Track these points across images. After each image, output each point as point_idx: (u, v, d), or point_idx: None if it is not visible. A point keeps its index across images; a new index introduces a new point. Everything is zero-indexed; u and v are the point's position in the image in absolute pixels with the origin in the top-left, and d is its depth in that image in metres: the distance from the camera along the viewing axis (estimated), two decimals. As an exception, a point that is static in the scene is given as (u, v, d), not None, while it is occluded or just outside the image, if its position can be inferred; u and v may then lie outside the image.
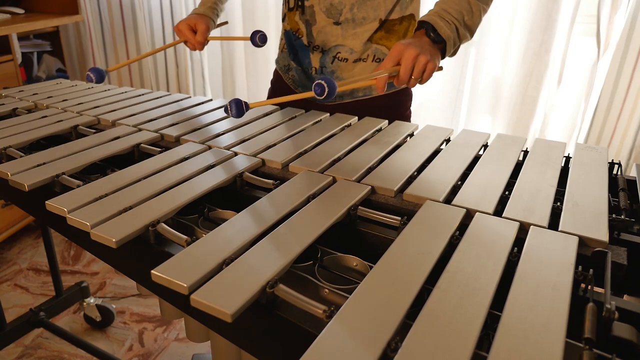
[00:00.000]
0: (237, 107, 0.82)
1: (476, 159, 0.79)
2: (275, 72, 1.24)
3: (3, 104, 1.14)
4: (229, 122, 0.98)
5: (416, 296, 0.44)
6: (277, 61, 1.22)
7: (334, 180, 0.71)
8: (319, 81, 0.77)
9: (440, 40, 0.88)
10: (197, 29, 1.11)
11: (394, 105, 1.11)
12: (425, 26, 0.89)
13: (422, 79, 0.87)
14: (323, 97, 0.77)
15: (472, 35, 0.94)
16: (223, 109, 0.86)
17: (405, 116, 1.15)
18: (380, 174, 0.72)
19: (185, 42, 1.13)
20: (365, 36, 1.03)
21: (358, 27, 1.02)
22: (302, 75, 1.14)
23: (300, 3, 1.06)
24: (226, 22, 1.28)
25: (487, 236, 0.54)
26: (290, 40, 1.13)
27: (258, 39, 1.11)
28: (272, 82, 1.26)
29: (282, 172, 0.76)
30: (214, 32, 1.18)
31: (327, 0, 1.02)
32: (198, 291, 0.45)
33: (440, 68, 0.90)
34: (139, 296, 1.83)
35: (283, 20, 1.14)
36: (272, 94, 1.26)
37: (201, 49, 1.13)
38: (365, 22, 1.02)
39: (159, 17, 2.29)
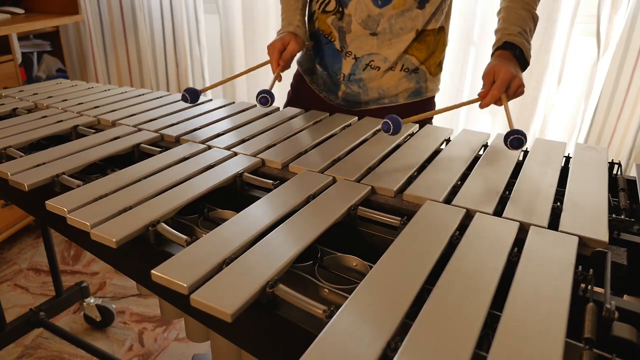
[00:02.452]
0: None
1: (476, 159, 0.79)
2: (297, 75, 1.20)
3: (3, 104, 1.14)
4: (229, 122, 0.99)
5: (416, 296, 0.44)
6: (299, 62, 1.19)
7: (334, 180, 0.71)
8: (515, 136, 0.78)
9: (525, 62, 0.92)
10: (287, 48, 1.03)
11: (419, 113, 1.10)
12: (510, 48, 0.91)
13: (511, 97, 0.89)
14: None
15: None
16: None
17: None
18: (380, 174, 0.72)
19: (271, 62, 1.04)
20: (401, 47, 1.02)
21: (394, 38, 1.02)
22: (327, 80, 1.12)
23: (340, 9, 1.03)
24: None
25: (487, 236, 0.54)
26: (317, 42, 1.10)
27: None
28: (293, 85, 1.22)
29: (282, 172, 0.76)
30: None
31: (364, 12, 1.00)
32: (198, 291, 0.45)
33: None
34: (139, 296, 1.83)
35: (309, 20, 1.11)
36: (293, 97, 1.22)
37: (275, 67, 1.03)
38: (402, 32, 1.01)
39: (159, 17, 2.29)
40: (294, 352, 0.44)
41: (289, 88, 1.25)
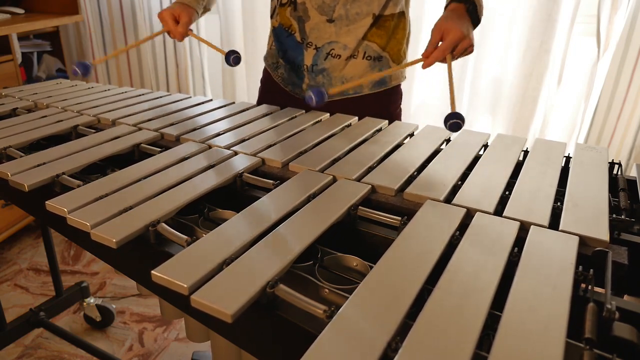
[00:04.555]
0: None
1: (476, 158, 0.79)
2: (265, 70, 1.23)
3: (3, 104, 1.14)
4: (229, 121, 0.99)
5: (416, 296, 0.44)
6: (265, 58, 1.22)
7: (334, 180, 0.71)
8: (454, 120, 0.81)
9: (477, 19, 0.92)
10: (180, 20, 1.09)
11: (384, 103, 1.12)
12: (465, 2, 0.92)
13: (456, 57, 0.91)
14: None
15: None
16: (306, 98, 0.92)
17: (396, 114, 1.16)
18: (380, 173, 0.72)
19: (168, 32, 1.12)
20: (359, 32, 1.03)
21: (352, 24, 1.02)
22: (291, 73, 1.14)
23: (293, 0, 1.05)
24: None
25: (487, 236, 0.54)
26: (279, 37, 1.12)
27: (232, 60, 1.11)
28: (262, 80, 1.26)
29: (282, 172, 0.76)
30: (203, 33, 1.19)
31: None
32: (198, 291, 0.45)
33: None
34: (139, 296, 1.83)
35: (272, 16, 1.13)
36: (262, 92, 1.25)
37: (181, 39, 1.11)
38: (358, 17, 1.02)
39: (158, 17, 2.29)
40: (294, 352, 0.44)
41: (259, 84, 1.28)
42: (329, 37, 1.04)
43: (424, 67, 0.88)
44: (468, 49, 0.88)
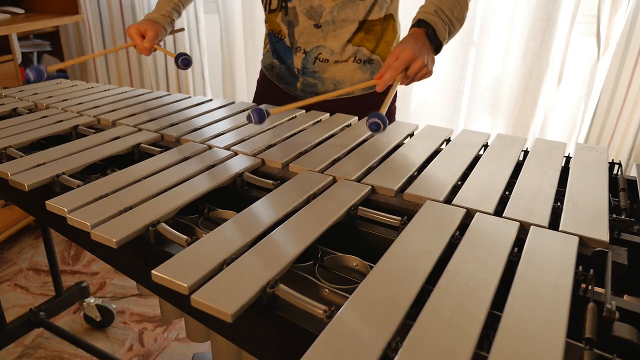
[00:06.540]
0: (259, 115, 0.83)
1: (476, 159, 0.79)
2: (261, 71, 1.26)
3: (3, 104, 1.14)
4: (229, 122, 0.99)
5: (416, 296, 0.44)
6: (262, 61, 1.25)
7: (334, 180, 0.71)
8: (374, 119, 0.77)
9: (438, 42, 0.92)
10: (146, 35, 1.14)
11: (377, 103, 1.12)
12: (424, 26, 0.91)
13: (412, 80, 0.92)
14: (379, 131, 0.79)
15: (458, 28, 0.98)
16: (246, 117, 0.88)
17: (390, 112, 1.16)
18: (380, 174, 0.72)
19: (135, 47, 1.16)
20: (344, 38, 1.04)
21: (338, 29, 1.04)
22: (285, 72, 1.16)
23: (283, 4, 1.07)
24: (182, 29, 1.33)
25: (487, 236, 0.54)
26: (272, 41, 1.15)
27: (181, 62, 1.17)
28: (259, 81, 1.28)
29: (282, 172, 0.76)
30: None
31: (307, 2, 1.03)
32: (198, 291, 0.45)
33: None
34: (139, 296, 1.83)
35: (265, 21, 1.16)
36: (259, 92, 1.27)
37: (147, 54, 1.16)
38: (344, 24, 1.03)
39: (159, 17, 2.29)
40: (294, 352, 0.44)
41: (255, 85, 1.30)
42: (317, 41, 1.06)
43: (378, 89, 0.87)
44: (422, 70, 0.88)
